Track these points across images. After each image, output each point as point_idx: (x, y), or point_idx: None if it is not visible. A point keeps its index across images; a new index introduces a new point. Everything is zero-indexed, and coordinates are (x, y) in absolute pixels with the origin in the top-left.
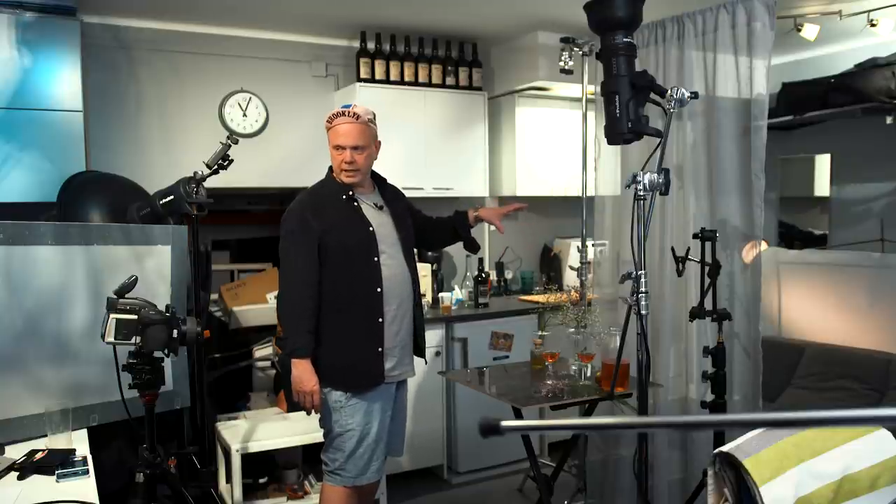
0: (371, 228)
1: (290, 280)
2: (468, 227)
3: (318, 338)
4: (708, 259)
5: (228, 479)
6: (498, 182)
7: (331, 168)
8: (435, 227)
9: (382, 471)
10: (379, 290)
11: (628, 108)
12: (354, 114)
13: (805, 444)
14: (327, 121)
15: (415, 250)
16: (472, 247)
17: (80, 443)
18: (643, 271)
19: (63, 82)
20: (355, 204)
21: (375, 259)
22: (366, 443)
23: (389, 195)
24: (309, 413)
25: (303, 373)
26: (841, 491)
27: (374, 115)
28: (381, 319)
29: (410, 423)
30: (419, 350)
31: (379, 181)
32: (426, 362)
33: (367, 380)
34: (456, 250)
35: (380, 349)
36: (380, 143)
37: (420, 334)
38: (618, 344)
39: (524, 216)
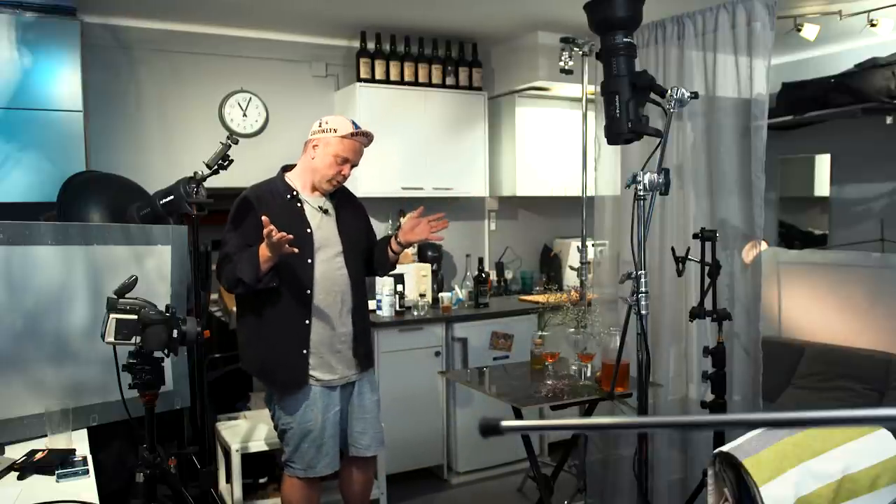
0: (309, 230)
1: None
2: (385, 252)
3: (250, 333)
4: (708, 259)
5: (228, 479)
6: (498, 182)
7: (284, 168)
8: (374, 250)
9: (335, 465)
10: (308, 291)
11: (628, 108)
12: (371, 135)
13: (805, 444)
14: (349, 134)
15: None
16: (383, 269)
17: (80, 443)
18: (643, 271)
19: (63, 82)
20: (298, 205)
21: (309, 261)
22: (309, 438)
23: (341, 200)
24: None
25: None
26: (841, 491)
27: None
28: (307, 321)
29: (410, 423)
30: (363, 357)
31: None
32: (372, 370)
33: (291, 382)
34: (455, 250)
35: (304, 351)
36: None
37: (361, 340)
38: (618, 344)
39: (524, 216)
